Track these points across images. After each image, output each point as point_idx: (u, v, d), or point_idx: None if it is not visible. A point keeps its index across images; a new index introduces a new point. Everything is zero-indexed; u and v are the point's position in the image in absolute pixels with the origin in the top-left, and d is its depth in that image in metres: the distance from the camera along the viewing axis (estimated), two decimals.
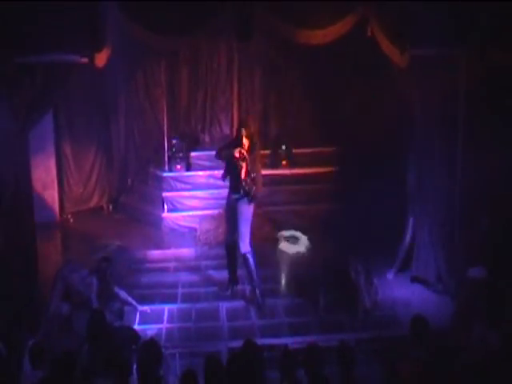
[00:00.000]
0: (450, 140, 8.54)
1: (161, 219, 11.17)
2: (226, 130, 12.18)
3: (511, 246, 8.19)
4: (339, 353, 5.91)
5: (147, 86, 11.99)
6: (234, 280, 8.97)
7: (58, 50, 7.57)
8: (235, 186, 8.47)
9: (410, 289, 8.98)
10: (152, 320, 8.31)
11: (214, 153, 8.83)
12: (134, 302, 8.38)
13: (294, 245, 10.30)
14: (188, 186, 11.44)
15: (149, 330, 7.98)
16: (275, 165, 11.59)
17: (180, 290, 9.11)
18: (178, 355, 7.42)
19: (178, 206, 11.28)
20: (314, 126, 12.08)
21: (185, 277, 9.53)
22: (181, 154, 11.47)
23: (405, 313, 8.06)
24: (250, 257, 8.50)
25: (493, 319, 6.63)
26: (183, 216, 11.17)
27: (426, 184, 8.82)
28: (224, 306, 8.65)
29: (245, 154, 8.29)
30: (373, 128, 10.35)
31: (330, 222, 10.61)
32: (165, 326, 8.24)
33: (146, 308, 8.47)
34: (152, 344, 6.19)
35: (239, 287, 8.99)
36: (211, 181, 11.12)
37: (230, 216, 8.64)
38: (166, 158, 11.50)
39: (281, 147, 11.68)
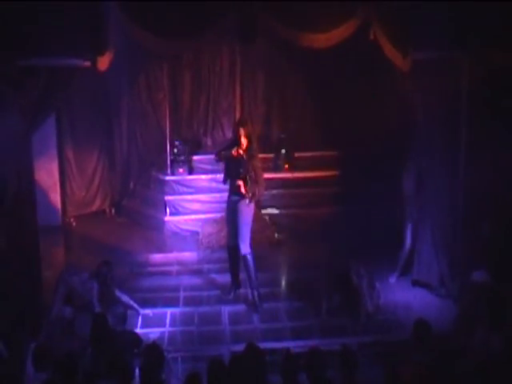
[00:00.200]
0: (453, 141, 8.54)
1: (163, 223, 11.16)
2: (229, 134, 12.12)
3: None
4: (341, 357, 5.92)
5: (149, 90, 12.00)
6: (236, 284, 8.96)
7: (61, 53, 7.56)
8: (234, 187, 8.47)
9: (412, 292, 8.95)
10: (154, 324, 8.29)
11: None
12: (136, 306, 8.36)
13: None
14: (190, 190, 11.44)
15: (151, 333, 7.97)
16: (278, 168, 11.60)
17: (182, 294, 9.09)
18: (180, 359, 7.43)
19: (181, 209, 11.27)
20: (317, 129, 12.10)
21: (187, 280, 9.52)
22: (183, 158, 11.48)
23: (407, 316, 8.04)
24: (249, 258, 8.49)
25: (495, 323, 6.61)
26: (185, 219, 11.16)
27: (427, 185, 8.80)
28: (226, 310, 8.63)
29: (242, 152, 8.30)
30: (375, 131, 10.34)
31: (332, 225, 10.62)
32: (167, 329, 8.22)
33: (149, 311, 8.45)
34: (154, 348, 6.20)
35: (241, 291, 8.96)
36: (213, 184, 11.09)
37: (231, 218, 8.63)
38: (169, 162, 11.50)
39: (283, 151, 11.68)
